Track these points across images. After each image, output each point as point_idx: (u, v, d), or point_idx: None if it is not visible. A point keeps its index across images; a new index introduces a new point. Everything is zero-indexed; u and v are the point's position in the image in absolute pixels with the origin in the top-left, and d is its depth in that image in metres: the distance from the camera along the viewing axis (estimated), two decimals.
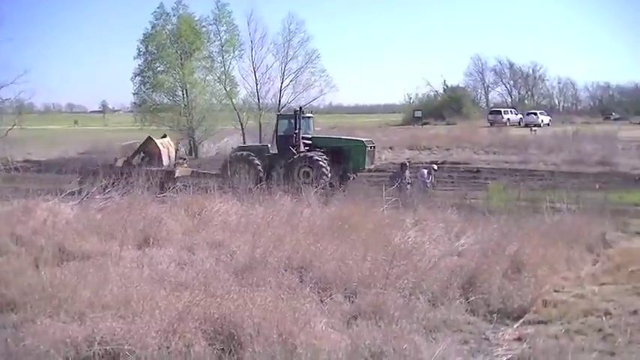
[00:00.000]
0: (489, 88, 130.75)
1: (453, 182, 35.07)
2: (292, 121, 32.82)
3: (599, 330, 11.61)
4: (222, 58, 52.88)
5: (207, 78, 53.10)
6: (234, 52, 53.27)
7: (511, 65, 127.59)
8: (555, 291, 13.97)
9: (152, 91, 52.06)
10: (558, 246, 16.35)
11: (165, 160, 32.15)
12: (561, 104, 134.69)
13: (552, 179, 36.02)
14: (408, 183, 28.12)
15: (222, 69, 52.86)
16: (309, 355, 9.34)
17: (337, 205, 20.19)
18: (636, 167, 41.40)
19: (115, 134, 63.61)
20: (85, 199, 20.51)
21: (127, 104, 65.63)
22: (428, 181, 29.02)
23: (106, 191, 20.95)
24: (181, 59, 50.64)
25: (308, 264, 13.48)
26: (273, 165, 31.44)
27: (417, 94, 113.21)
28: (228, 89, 52.41)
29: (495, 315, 12.35)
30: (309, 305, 11.01)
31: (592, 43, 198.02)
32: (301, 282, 12.57)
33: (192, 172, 33.03)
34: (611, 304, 12.99)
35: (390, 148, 54.32)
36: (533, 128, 69.96)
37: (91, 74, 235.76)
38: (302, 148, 32.28)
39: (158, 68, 51.73)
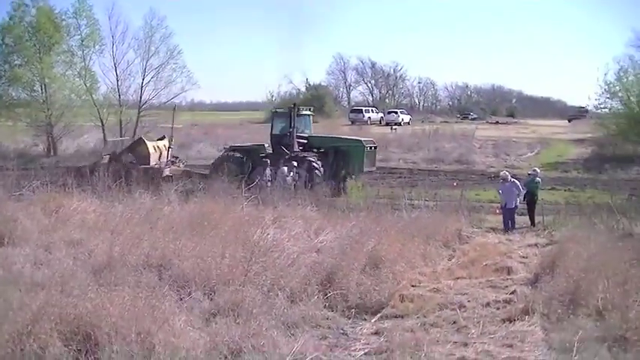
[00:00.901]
0: (351, 87, 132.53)
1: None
2: (289, 119, 31.15)
3: (454, 322, 12.11)
4: (83, 52, 51.27)
5: (67, 73, 51.37)
6: (94, 47, 51.69)
7: (373, 65, 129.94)
8: (412, 286, 14.39)
9: (8, 86, 50.23)
10: (416, 242, 16.77)
11: (152, 161, 31.28)
12: (421, 103, 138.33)
13: (411, 177, 36.89)
14: (269, 180, 28.11)
15: (83, 64, 51.34)
16: (167, 354, 9.33)
17: (197, 202, 20.08)
18: (492, 165, 42.99)
19: None
20: None
21: None
22: (288, 178, 28.99)
23: None
24: (40, 53, 48.81)
25: (167, 262, 13.43)
26: (266, 165, 29.42)
27: (279, 92, 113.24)
28: (88, 85, 50.98)
29: (353, 310, 12.68)
30: (168, 303, 10.98)
31: (451, 44, 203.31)
32: (160, 280, 12.54)
33: (184, 171, 31.59)
34: (465, 297, 13.57)
35: None
36: (394, 127, 71.29)
37: None
38: (296, 148, 30.57)
39: (15, 62, 49.86)
